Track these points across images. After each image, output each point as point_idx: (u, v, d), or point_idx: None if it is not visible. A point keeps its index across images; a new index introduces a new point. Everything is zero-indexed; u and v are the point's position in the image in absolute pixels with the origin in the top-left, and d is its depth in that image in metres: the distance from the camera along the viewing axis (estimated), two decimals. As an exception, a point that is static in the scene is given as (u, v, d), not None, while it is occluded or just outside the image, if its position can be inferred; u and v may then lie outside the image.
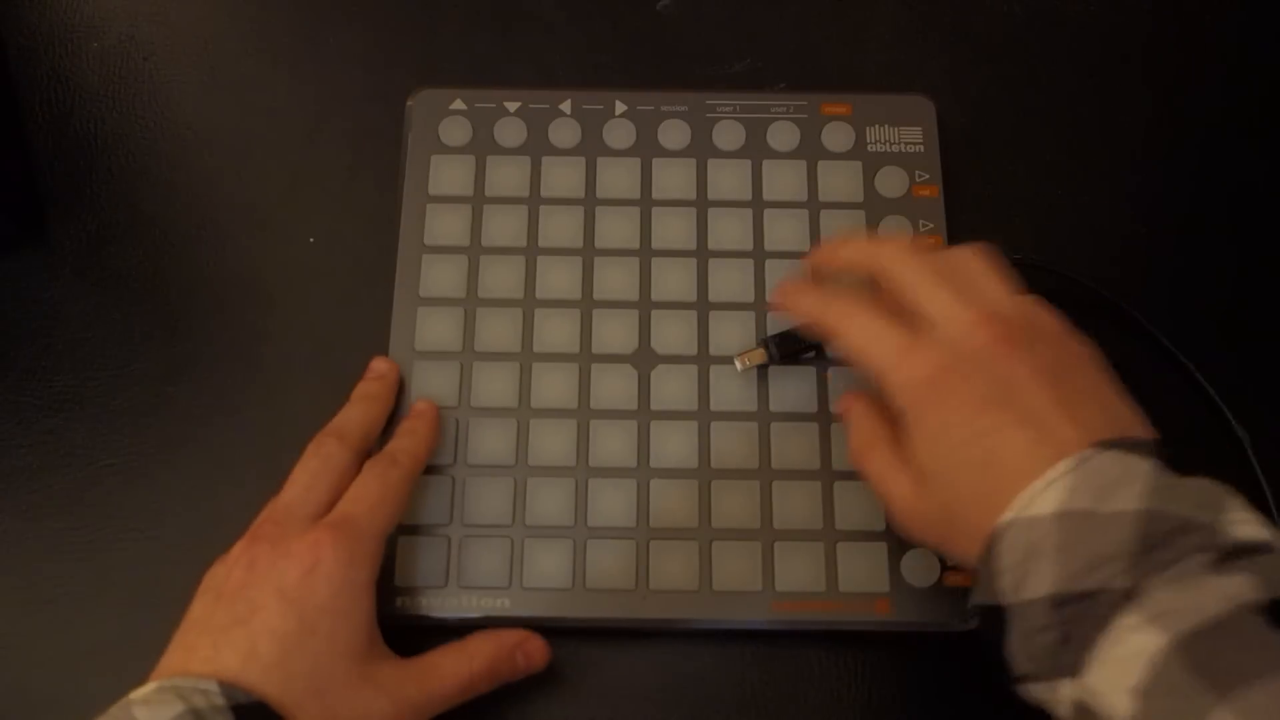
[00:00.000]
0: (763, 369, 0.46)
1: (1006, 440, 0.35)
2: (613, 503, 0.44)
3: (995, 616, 0.35)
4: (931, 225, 0.48)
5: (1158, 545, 0.32)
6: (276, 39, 0.54)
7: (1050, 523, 0.33)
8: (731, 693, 0.44)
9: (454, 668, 0.40)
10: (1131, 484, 0.33)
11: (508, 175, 0.49)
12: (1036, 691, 0.34)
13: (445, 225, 0.48)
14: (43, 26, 0.54)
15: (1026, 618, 0.34)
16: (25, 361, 0.48)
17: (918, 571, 0.43)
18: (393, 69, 0.53)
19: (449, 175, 0.49)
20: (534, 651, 0.42)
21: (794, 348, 0.46)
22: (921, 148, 0.50)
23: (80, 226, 0.50)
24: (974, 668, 0.44)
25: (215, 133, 0.52)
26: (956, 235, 0.49)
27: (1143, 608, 0.31)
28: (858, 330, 0.40)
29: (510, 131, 0.50)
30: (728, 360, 0.46)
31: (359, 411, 0.44)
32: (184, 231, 0.50)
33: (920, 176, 0.49)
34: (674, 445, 0.45)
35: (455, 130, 0.50)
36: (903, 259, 0.40)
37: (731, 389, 0.46)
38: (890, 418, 0.40)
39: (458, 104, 0.50)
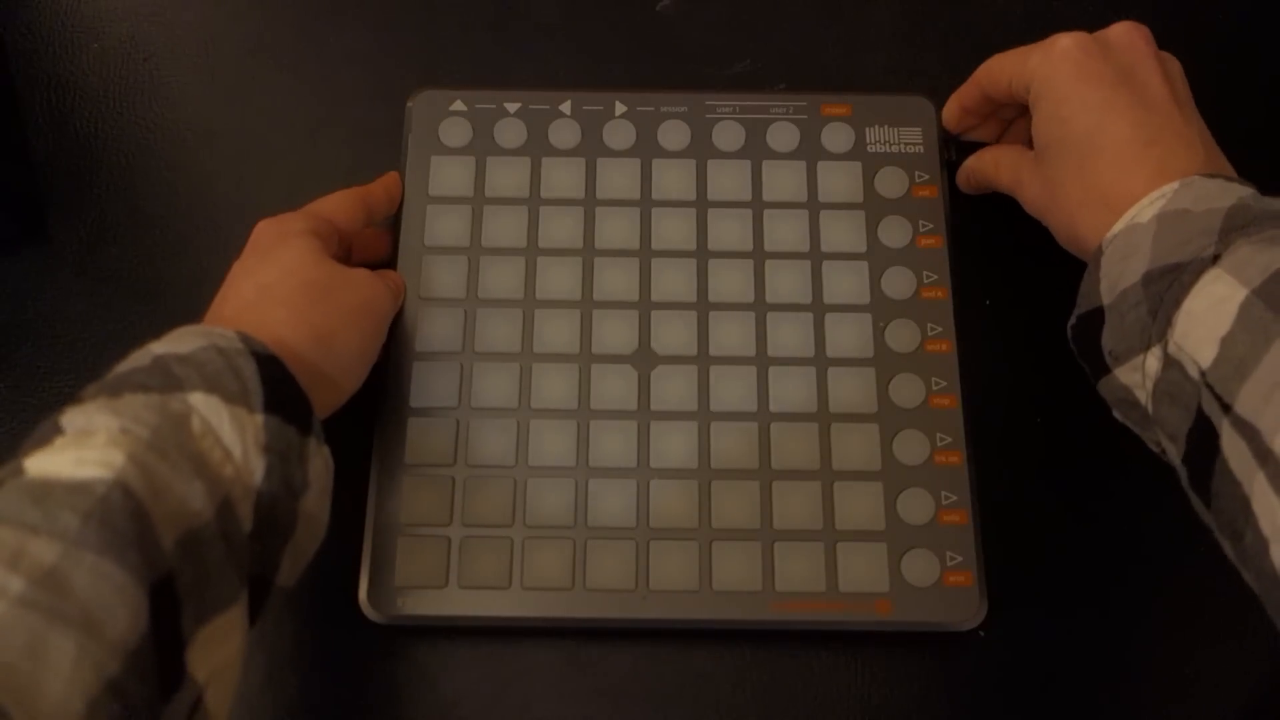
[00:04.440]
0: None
1: (1117, 119, 0.39)
2: (613, 503, 0.44)
3: (1094, 322, 0.38)
4: (931, 225, 0.48)
5: (1248, 224, 0.35)
6: (276, 39, 0.54)
7: (1149, 224, 0.37)
8: (731, 693, 0.44)
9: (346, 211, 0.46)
10: (1229, 195, 0.36)
11: (508, 176, 0.49)
12: (1121, 377, 0.37)
13: (445, 226, 0.48)
14: (43, 27, 0.54)
15: (1119, 306, 0.37)
16: (25, 361, 0.48)
17: (918, 571, 0.43)
18: (393, 69, 0.53)
19: (449, 176, 0.49)
20: (389, 183, 0.48)
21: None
22: (921, 148, 0.50)
23: (80, 226, 0.50)
24: (974, 668, 0.44)
25: (215, 133, 0.52)
26: (957, 236, 0.49)
27: (1227, 265, 0.34)
28: (1000, 57, 0.45)
29: (510, 132, 0.50)
30: (728, 360, 0.46)
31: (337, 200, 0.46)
32: (184, 231, 0.50)
33: (920, 177, 0.49)
34: (674, 445, 0.45)
35: (455, 131, 0.50)
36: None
37: (731, 389, 0.46)
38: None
39: (458, 105, 0.50)
